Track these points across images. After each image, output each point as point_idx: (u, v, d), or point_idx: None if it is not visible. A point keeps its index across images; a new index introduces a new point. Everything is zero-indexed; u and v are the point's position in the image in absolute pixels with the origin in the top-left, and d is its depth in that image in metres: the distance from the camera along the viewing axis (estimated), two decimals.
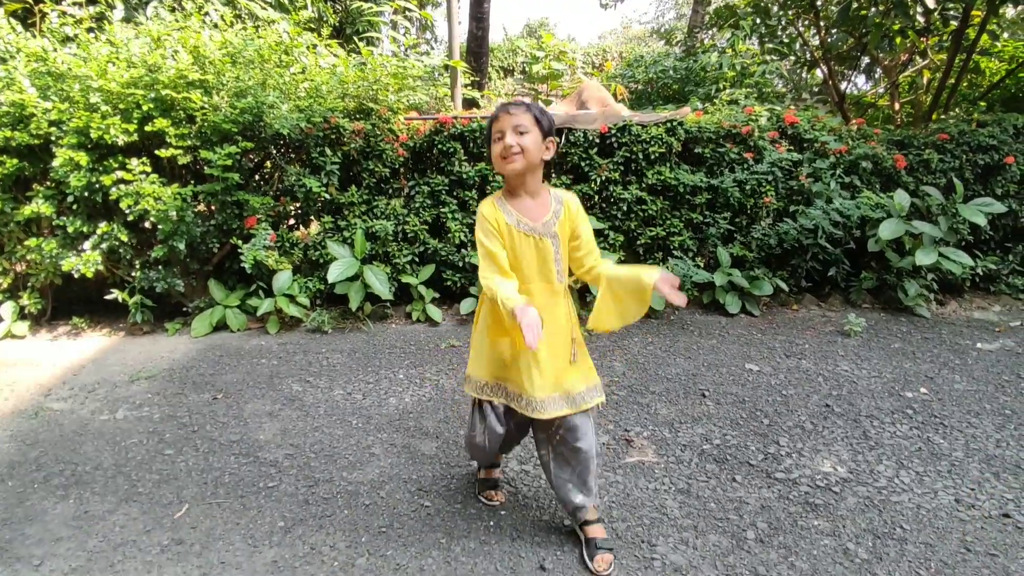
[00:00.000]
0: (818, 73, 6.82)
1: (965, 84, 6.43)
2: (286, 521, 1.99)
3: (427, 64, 4.39)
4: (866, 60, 6.90)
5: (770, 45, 5.79)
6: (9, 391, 3.07)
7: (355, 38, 8.62)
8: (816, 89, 7.52)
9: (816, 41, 6.30)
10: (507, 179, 1.71)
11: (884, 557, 1.81)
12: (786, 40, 6.07)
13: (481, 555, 1.83)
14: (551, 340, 1.69)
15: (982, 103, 5.80)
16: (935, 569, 1.77)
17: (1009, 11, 5.94)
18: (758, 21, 5.42)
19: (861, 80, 9.05)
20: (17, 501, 2.12)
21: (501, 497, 2.09)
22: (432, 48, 13.06)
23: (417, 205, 4.16)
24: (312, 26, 6.94)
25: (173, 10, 5.20)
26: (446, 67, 5.00)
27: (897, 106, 6.58)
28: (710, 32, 8.43)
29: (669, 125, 4.11)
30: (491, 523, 1.97)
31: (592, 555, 1.75)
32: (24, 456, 2.42)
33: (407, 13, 8.36)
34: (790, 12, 5.89)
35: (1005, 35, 6.10)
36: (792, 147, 4.32)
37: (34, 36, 3.87)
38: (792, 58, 5.98)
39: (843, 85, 8.04)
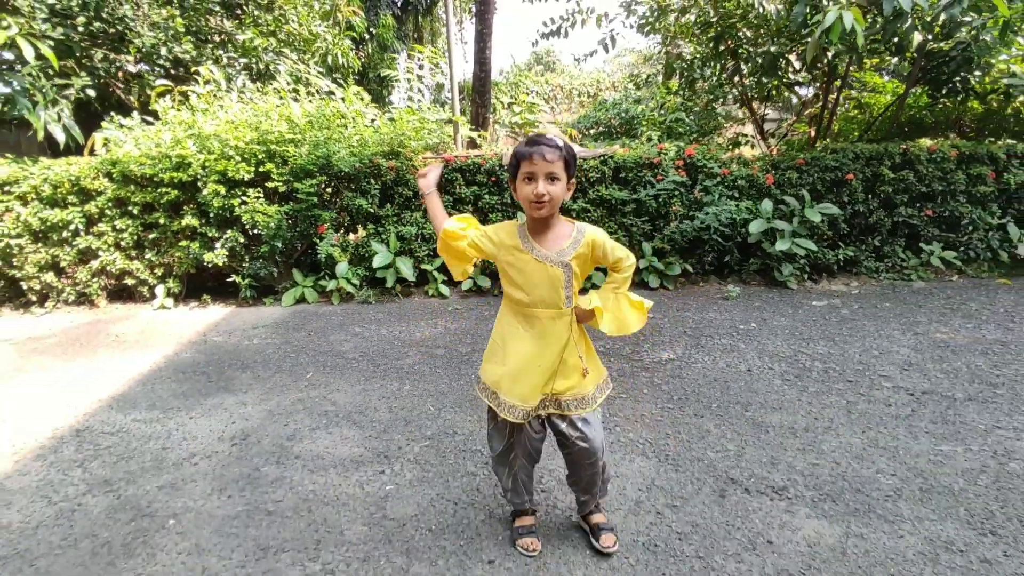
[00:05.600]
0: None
1: (858, 114, 8.23)
2: (364, 378, 3.82)
3: (436, 120, 6.31)
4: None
5: (689, 92, 7.66)
6: (180, 334, 4.96)
7: (376, 83, 10.68)
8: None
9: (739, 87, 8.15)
10: (529, 218, 1.83)
11: (678, 389, 3.59)
12: (714, 85, 7.92)
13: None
14: (544, 352, 1.86)
15: (855, 132, 7.58)
16: (692, 390, 3.54)
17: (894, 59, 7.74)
18: (685, 75, 7.27)
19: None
20: (218, 374, 3.98)
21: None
22: (444, 85, 15.13)
23: None
24: (339, 80, 8.95)
25: (255, 81, 7.21)
26: (450, 120, 6.94)
27: (813, 133, 8.38)
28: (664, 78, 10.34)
29: (603, 158, 5.95)
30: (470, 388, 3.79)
31: (598, 537, 2.05)
32: (209, 358, 4.29)
33: (418, 73, 10.40)
34: (716, 66, 7.75)
35: (886, 77, 7.88)
36: (690, 172, 6.13)
37: (178, 111, 5.87)
38: (712, 97, 7.81)
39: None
